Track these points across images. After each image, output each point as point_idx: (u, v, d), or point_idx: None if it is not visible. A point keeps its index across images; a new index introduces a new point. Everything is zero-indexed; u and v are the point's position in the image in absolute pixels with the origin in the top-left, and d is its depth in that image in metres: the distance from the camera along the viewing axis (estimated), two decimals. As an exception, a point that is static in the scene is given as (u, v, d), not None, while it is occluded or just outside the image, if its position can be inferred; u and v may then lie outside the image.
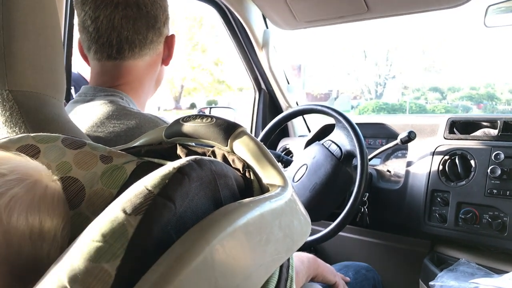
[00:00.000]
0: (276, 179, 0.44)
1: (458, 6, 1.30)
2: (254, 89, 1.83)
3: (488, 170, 1.19)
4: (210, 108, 1.99)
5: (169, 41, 0.96)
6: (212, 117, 0.53)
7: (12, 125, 0.68)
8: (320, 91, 28.58)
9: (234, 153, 0.50)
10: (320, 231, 1.26)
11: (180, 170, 0.35)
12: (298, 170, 1.39)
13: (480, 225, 1.19)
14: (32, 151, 0.54)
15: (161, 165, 0.57)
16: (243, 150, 0.49)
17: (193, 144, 0.57)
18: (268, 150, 0.49)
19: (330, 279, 1.06)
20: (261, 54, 1.65)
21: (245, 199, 0.36)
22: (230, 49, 1.73)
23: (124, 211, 0.31)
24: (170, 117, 0.77)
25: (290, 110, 1.46)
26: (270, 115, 1.82)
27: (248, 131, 0.52)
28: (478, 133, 1.31)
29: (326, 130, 1.57)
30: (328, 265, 1.10)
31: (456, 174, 1.26)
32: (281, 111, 1.84)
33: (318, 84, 28.92)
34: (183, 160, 0.36)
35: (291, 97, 1.80)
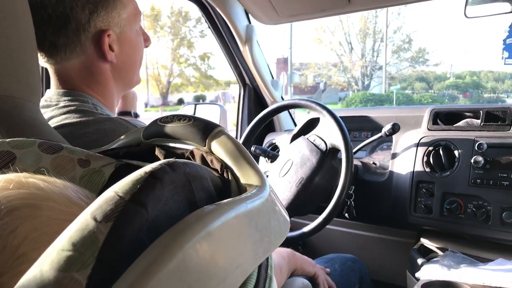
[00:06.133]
0: (254, 179, 0.44)
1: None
2: (239, 84, 1.82)
3: (472, 160, 1.20)
4: (196, 104, 1.97)
5: (98, 38, 0.84)
6: (190, 117, 0.53)
7: None
8: (308, 83, 28.62)
9: (212, 153, 0.50)
10: (307, 224, 1.27)
11: (152, 174, 0.34)
12: (284, 165, 1.39)
13: (465, 215, 1.20)
14: (7, 158, 0.53)
15: (140, 166, 0.57)
16: (221, 150, 0.48)
17: (172, 145, 0.56)
18: (247, 150, 0.49)
19: (309, 270, 1.08)
20: (244, 50, 1.65)
21: (220, 201, 0.36)
22: (215, 42, 1.71)
23: (95, 219, 0.30)
24: (148, 119, 0.75)
25: (274, 105, 1.45)
26: (255, 110, 1.82)
27: (227, 130, 0.52)
28: (461, 123, 1.32)
29: (311, 124, 1.57)
30: (306, 257, 1.12)
31: (441, 165, 1.27)
32: (267, 106, 1.84)
33: (305, 76, 28.94)
34: (156, 164, 0.36)
35: (275, 92, 1.80)
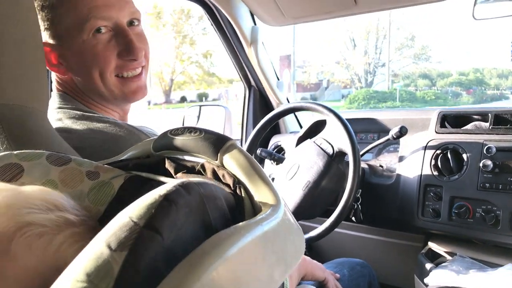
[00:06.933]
0: (268, 196, 0.43)
1: (442, 1, 1.29)
2: (244, 86, 1.81)
3: (480, 164, 1.18)
4: (200, 106, 1.96)
5: None
6: (200, 130, 0.52)
7: None
8: (310, 81, 28.54)
9: (224, 167, 0.49)
10: (315, 227, 1.26)
11: (166, 197, 0.33)
12: (290, 168, 1.38)
13: (474, 219, 1.19)
14: (15, 170, 0.52)
15: (149, 179, 0.56)
16: (233, 164, 0.48)
17: (182, 157, 0.55)
18: (259, 165, 0.48)
19: (319, 275, 1.07)
20: (249, 51, 1.63)
21: (236, 225, 0.35)
22: (219, 40, 1.70)
23: (109, 247, 0.29)
24: (150, 117, 0.73)
25: (280, 108, 1.44)
26: (260, 112, 1.81)
27: (238, 143, 0.51)
28: (469, 126, 1.30)
29: (317, 126, 1.56)
30: (316, 262, 1.11)
31: (449, 169, 1.26)
32: (272, 108, 1.83)
33: (308, 74, 28.87)
34: (170, 185, 0.35)
35: (281, 94, 1.78)
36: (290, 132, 1.84)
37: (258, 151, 1.55)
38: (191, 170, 0.53)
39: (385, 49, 26.69)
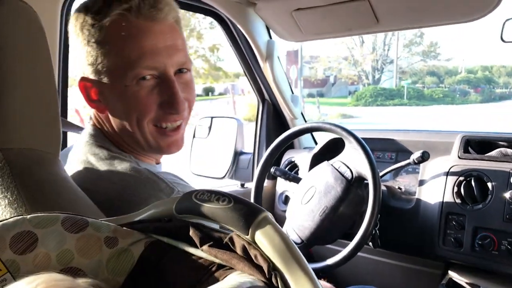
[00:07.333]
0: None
1: (469, 22, 1.23)
2: (258, 100, 1.76)
3: (507, 195, 1.14)
4: (212, 118, 1.91)
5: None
6: (229, 198, 0.47)
7: (3, 190, 0.62)
8: (318, 77, 28.41)
9: (256, 245, 0.44)
10: (333, 250, 1.22)
11: None
12: (306, 191, 1.33)
13: (499, 251, 1.14)
14: (29, 240, 0.48)
15: (172, 246, 0.52)
16: (266, 244, 0.43)
17: (207, 224, 0.51)
18: (295, 246, 0.44)
19: None
20: (264, 66, 1.58)
21: None
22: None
23: None
24: None
25: (296, 128, 1.40)
26: (274, 127, 1.76)
27: (271, 216, 0.47)
28: (494, 153, 1.25)
29: (333, 144, 1.51)
30: None
31: (472, 197, 1.21)
32: (286, 123, 1.78)
33: (315, 70, 28.73)
34: None
35: (295, 109, 1.73)
36: (304, 148, 1.79)
37: (272, 170, 1.51)
38: (218, 241, 0.48)
39: (393, 46, 26.51)
